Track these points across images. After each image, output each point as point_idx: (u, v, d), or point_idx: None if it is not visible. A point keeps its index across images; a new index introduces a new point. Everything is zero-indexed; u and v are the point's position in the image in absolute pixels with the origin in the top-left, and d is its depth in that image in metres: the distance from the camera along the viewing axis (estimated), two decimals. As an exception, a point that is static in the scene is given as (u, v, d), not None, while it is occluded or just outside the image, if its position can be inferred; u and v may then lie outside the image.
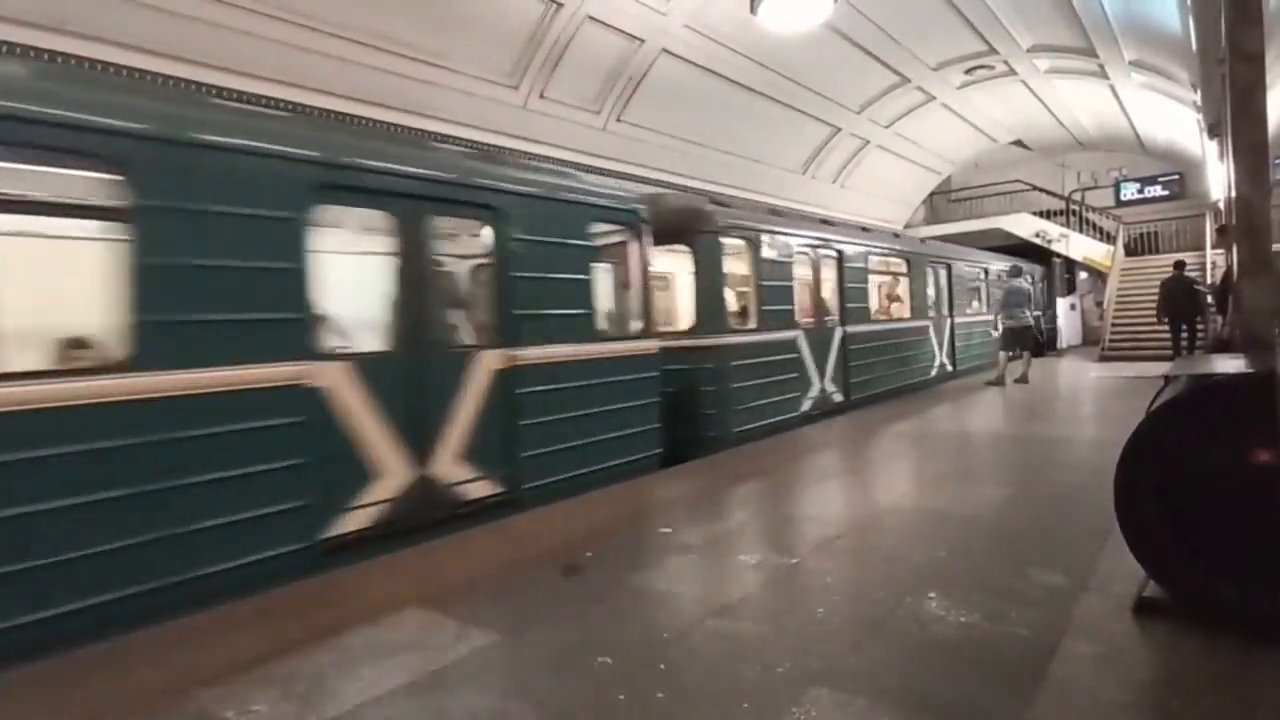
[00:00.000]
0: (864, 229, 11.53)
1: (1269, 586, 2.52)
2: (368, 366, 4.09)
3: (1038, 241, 18.36)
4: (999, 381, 11.19)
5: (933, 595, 3.11)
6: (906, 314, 11.48)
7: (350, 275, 4.99)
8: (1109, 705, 2.23)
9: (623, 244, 6.29)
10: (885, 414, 8.84)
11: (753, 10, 9.00)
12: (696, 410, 6.98)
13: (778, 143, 14.17)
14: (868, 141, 15.95)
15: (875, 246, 10.51)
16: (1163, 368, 4.26)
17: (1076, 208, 18.89)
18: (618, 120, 11.04)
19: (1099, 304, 18.45)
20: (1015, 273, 12.37)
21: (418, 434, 4.30)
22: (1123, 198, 19.83)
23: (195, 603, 3.23)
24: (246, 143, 3.68)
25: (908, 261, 11.48)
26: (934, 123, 16.26)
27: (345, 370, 3.98)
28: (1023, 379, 11.26)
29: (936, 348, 12.33)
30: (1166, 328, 13.03)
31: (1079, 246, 18.32)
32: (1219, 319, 10.50)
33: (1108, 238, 18.29)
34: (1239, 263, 3.90)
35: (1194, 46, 8.87)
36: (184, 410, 3.34)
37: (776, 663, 2.58)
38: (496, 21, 8.65)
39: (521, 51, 9.21)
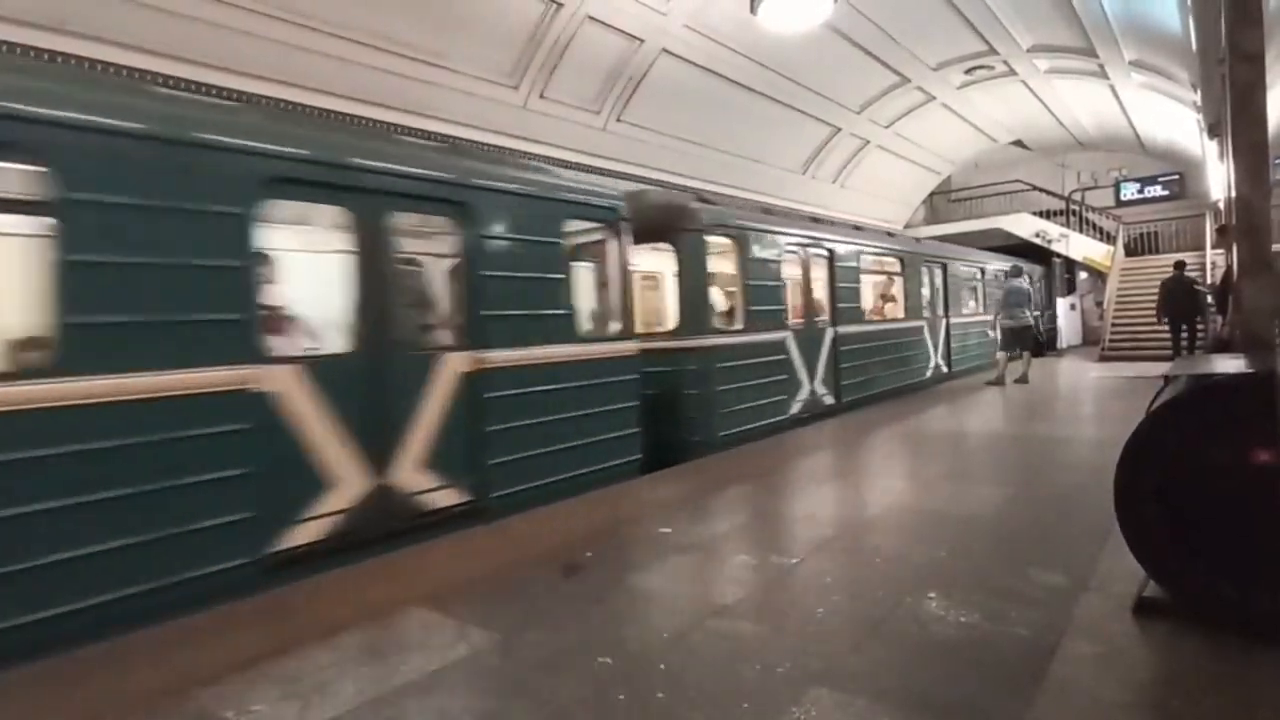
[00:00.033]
0: (857, 228, 11.37)
1: (1269, 586, 2.52)
2: (322, 370, 3.89)
3: (1038, 241, 18.37)
4: (999, 381, 11.19)
5: (933, 595, 3.10)
6: (900, 314, 11.32)
7: (305, 274, 4.83)
8: (1109, 705, 2.23)
9: (601, 242, 6.10)
10: (879, 416, 8.78)
11: (753, 10, 9.00)
12: (680, 414, 6.83)
13: (778, 143, 14.17)
14: (868, 141, 15.96)
15: (868, 245, 10.36)
16: (1163, 368, 4.26)
17: (1076, 208, 18.90)
18: (618, 120, 11.04)
19: (1099, 304, 18.46)
20: (1015, 273, 12.34)
21: (376, 441, 4.11)
22: (1123, 198, 19.84)
23: (121, 624, 3.02)
24: (185, 133, 3.44)
25: (901, 261, 11.32)
26: (934, 123, 16.26)
27: (296, 374, 3.77)
28: (1023, 379, 11.26)
29: (931, 349, 12.18)
30: (1166, 328, 13.03)
31: (1079, 246, 18.32)
32: (1219, 319, 10.50)
33: (1108, 238, 18.29)
34: (1239, 263, 3.90)
35: (1194, 46, 8.87)
36: (113, 418, 3.11)
37: (776, 663, 2.58)
38: (496, 21, 8.65)
39: (521, 51, 9.21)
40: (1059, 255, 18.75)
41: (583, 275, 6.39)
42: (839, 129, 14.89)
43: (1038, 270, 17.85)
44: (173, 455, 3.29)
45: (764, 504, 5.11)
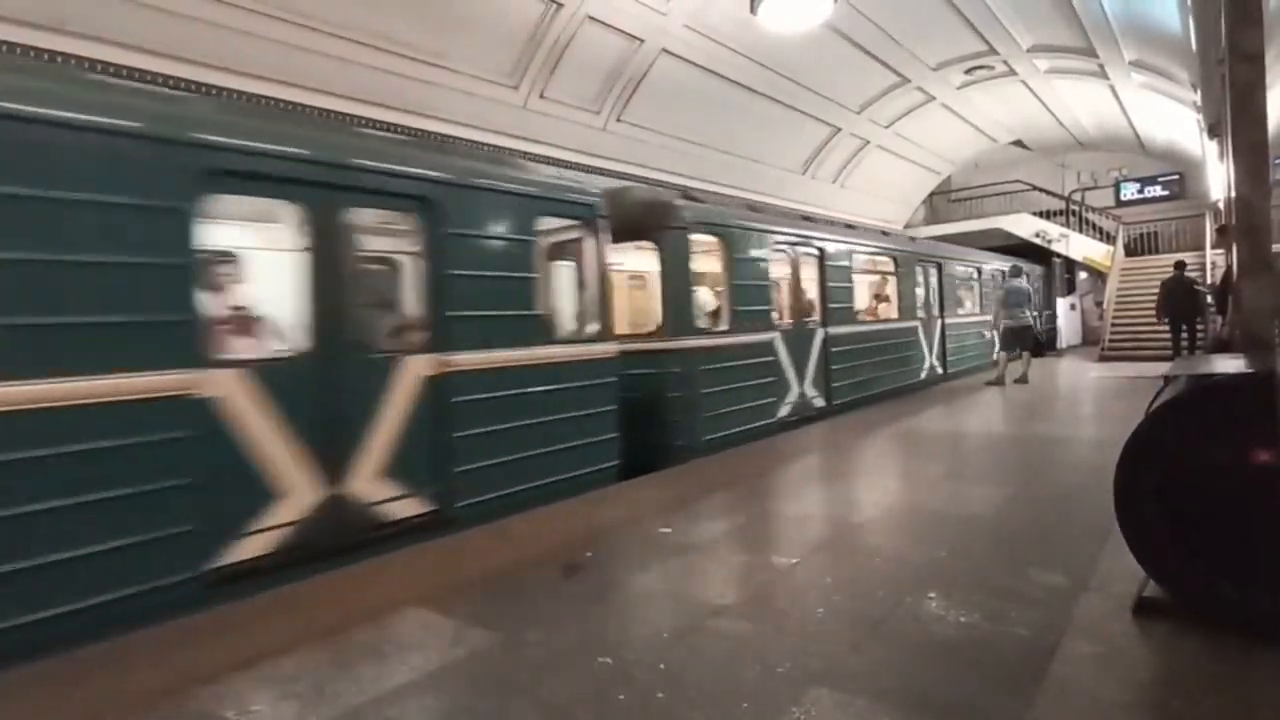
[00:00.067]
0: (849, 226, 11.20)
1: (1269, 586, 2.52)
2: (270, 374, 3.69)
3: (1038, 241, 18.37)
4: (999, 381, 11.19)
5: (932, 595, 3.10)
6: (894, 314, 11.19)
7: (255, 273, 4.66)
8: (1109, 705, 2.23)
9: (579, 240, 5.88)
10: (873, 417, 8.69)
11: (753, 10, 9.00)
12: (662, 417, 6.63)
13: (778, 143, 14.18)
14: (868, 141, 15.96)
15: (860, 244, 10.19)
16: (1163, 368, 4.26)
17: (1076, 208, 18.90)
18: (618, 120, 11.04)
19: (1099, 304, 18.47)
20: (1015, 273, 12.34)
21: (330, 448, 3.90)
22: (1123, 198, 19.85)
23: (44, 647, 2.81)
24: (113, 122, 3.21)
25: (895, 260, 11.16)
26: (934, 123, 16.27)
27: (242, 378, 3.57)
28: (1022, 379, 11.26)
29: (926, 349, 12.02)
30: (1166, 328, 13.04)
31: (1079, 246, 18.33)
32: (1219, 319, 10.50)
33: (1108, 238, 18.30)
34: (1239, 263, 3.90)
35: (1194, 46, 8.88)
36: (34, 426, 2.91)
37: (776, 663, 2.58)
38: (496, 21, 8.65)
39: (521, 51, 9.21)
40: (1059, 255, 18.76)
41: (559, 275, 6.25)
42: (839, 129, 14.89)
43: (1038, 270, 17.84)
44: (102, 466, 3.07)
45: (763, 505, 5.11)
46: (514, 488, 4.84)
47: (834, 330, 9.08)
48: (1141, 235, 18.90)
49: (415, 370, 4.36)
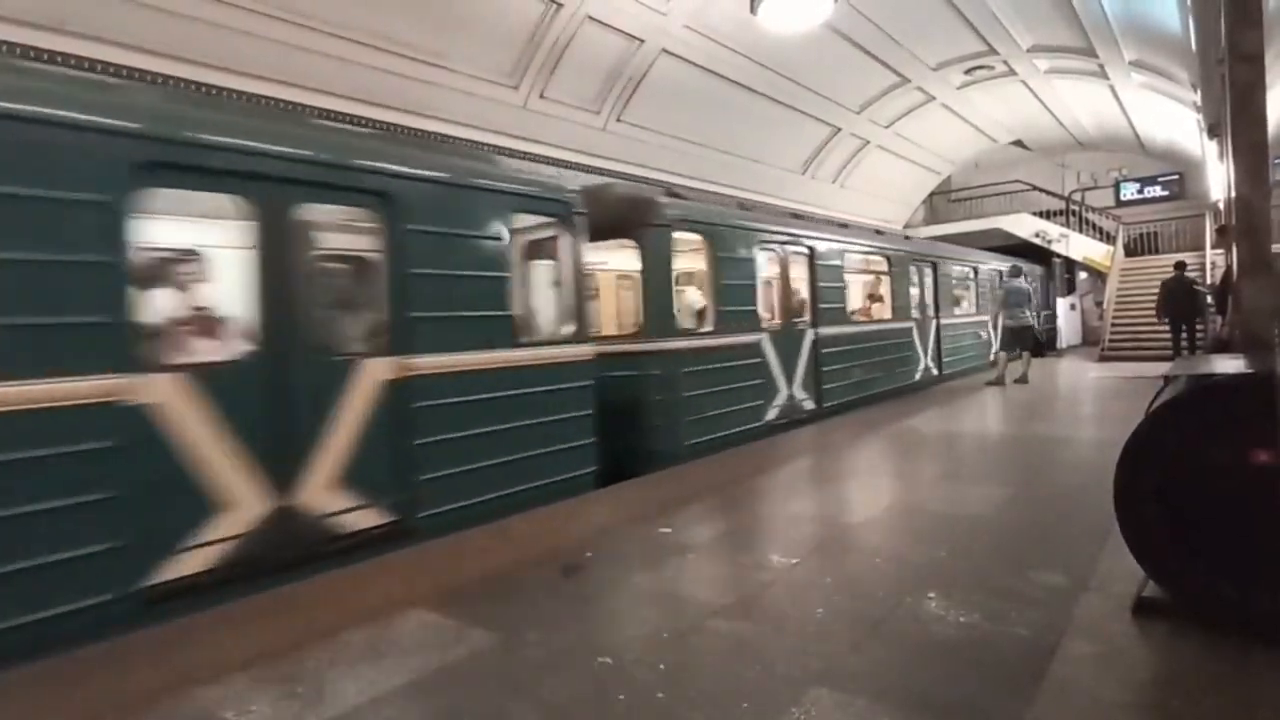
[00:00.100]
0: (842, 225, 10.98)
1: (1269, 586, 2.52)
2: (212, 379, 3.49)
3: (1037, 242, 18.37)
4: (999, 381, 11.19)
5: (932, 595, 3.11)
6: (887, 315, 10.98)
7: (221, 272, 4.46)
8: (1109, 705, 2.23)
9: (553, 238, 5.68)
10: (869, 418, 8.62)
11: (753, 10, 9.00)
12: (642, 422, 6.43)
13: (778, 143, 14.18)
14: (868, 141, 15.96)
15: (852, 243, 10.00)
16: (1163, 368, 4.26)
17: (1076, 208, 18.91)
18: (618, 120, 11.04)
19: (1099, 304, 18.47)
20: (1015, 273, 12.32)
21: (280, 457, 3.70)
22: (1122, 198, 19.86)
23: None
24: (33, 109, 2.98)
25: (888, 260, 10.96)
26: (934, 123, 16.26)
27: (180, 383, 3.35)
28: (1022, 379, 11.27)
29: (920, 350, 11.81)
30: (1166, 328, 13.06)
31: (1079, 247, 18.33)
32: (1219, 319, 10.51)
33: (1107, 238, 18.30)
34: (1239, 263, 3.90)
35: (1194, 46, 8.88)
36: None
37: (776, 663, 2.58)
38: (496, 21, 8.65)
39: (521, 51, 9.21)
40: (1059, 255, 18.76)
41: (532, 274, 6.08)
42: (839, 129, 14.89)
43: (1038, 270, 17.84)
44: (15, 478, 2.87)
45: (763, 506, 5.11)
46: (482, 496, 4.63)
47: (825, 331, 8.90)
48: (1141, 235, 18.90)
49: (374, 374, 4.15)
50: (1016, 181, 20.48)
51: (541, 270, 6.12)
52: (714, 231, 7.25)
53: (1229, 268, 7.52)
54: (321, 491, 3.87)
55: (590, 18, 9.15)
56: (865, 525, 4.38)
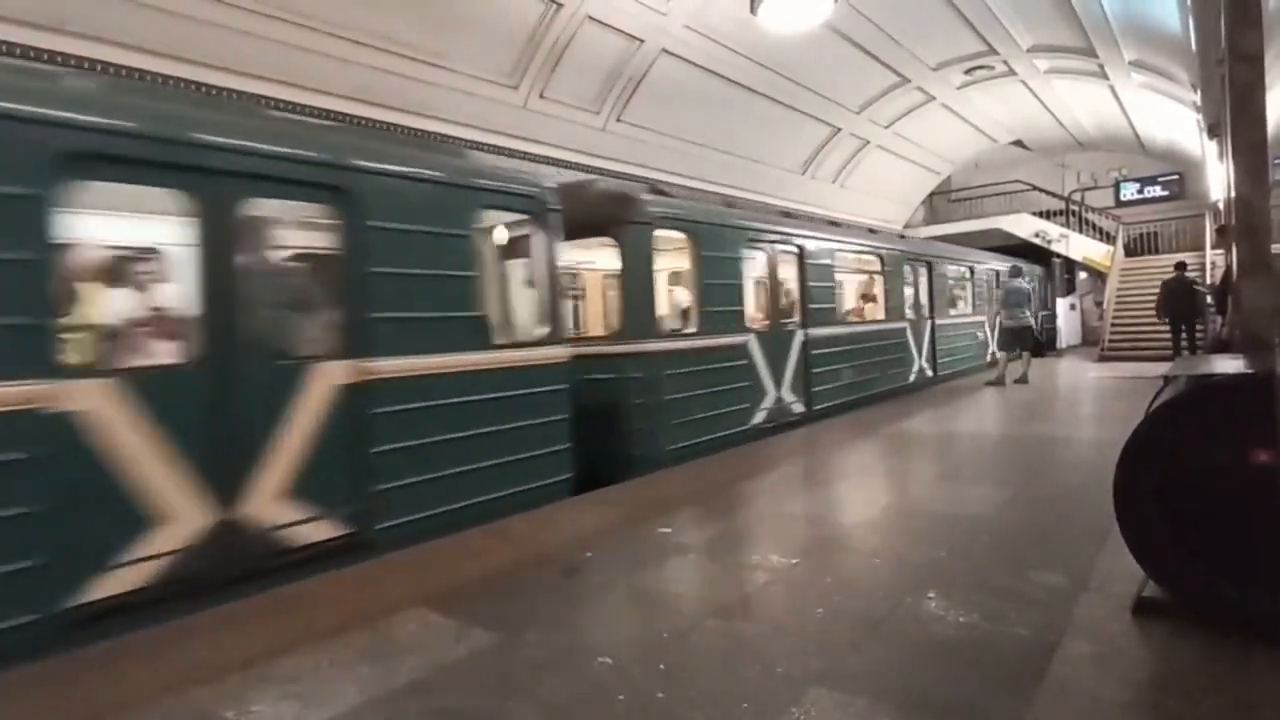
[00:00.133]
0: (832, 223, 10.80)
1: (1269, 586, 2.52)
2: (147, 385, 3.27)
3: (1037, 242, 18.39)
4: (999, 381, 11.20)
5: (932, 595, 3.11)
6: (880, 315, 10.80)
7: (148, 270, 4.26)
8: (1108, 705, 2.23)
9: (526, 236, 5.47)
10: (864, 420, 8.55)
11: (753, 10, 9.01)
12: (622, 426, 6.21)
13: (778, 143, 14.18)
14: (867, 142, 15.97)
15: (843, 242, 9.80)
16: (1162, 368, 4.26)
17: (1076, 208, 18.92)
18: (618, 120, 11.05)
19: (1099, 304, 18.48)
20: (1015, 273, 12.33)
21: (223, 468, 3.50)
22: (1122, 198, 19.87)
23: None
24: None
25: (881, 259, 10.75)
26: (934, 123, 16.27)
27: (109, 390, 3.13)
28: (1022, 379, 11.27)
29: (915, 351, 11.66)
30: (1166, 328, 13.07)
31: (1079, 247, 18.35)
32: (1219, 319, 10.51)
33: (1107, 238, 18.31)
34: (1239, 263, 3.90)
35: (1194, 47, 8.89)
36: None
37: (776, 663, 2.58)
38: (496, 21, 8.66)
39: (521, 51, 9.21)
40: (1059, 255, 18.77)
41: (503, 273, 5.90)
42: (839, 129, 14.90)
43: (1037, 270, 17.84)
44: None
45: (763, 506, 5.10)
46: (448, 506, 4.42)
47: (815, 332, 8.70)
48: (1141, 235, 18.92)
49: (328, 378, 3.94)
50: (1016, 181, 20.50)
51: (513, 269, 5.92)
52: (698, 229, 7.04)
53: (1229, 268, 7.52)
54: (269, 503, 3.67)
55: (590, 18, 9.16)
56: (865, 525, 4.38)
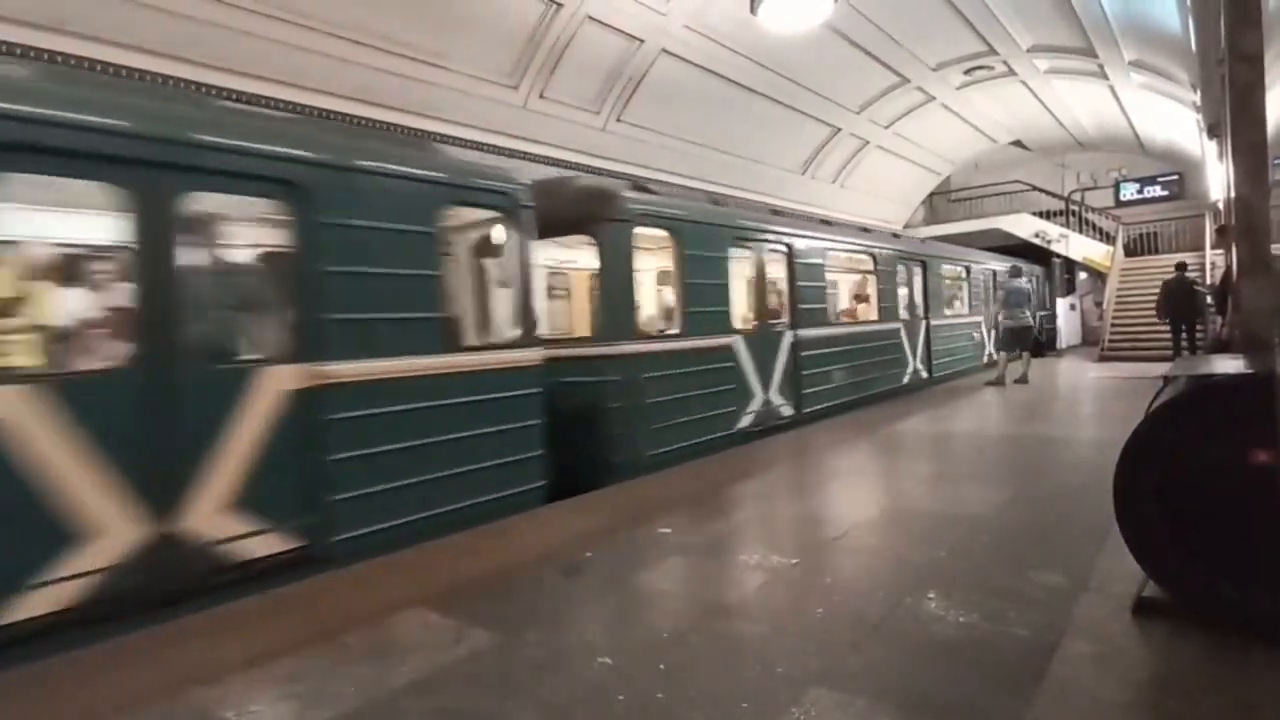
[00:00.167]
0: (824, 222, 10.62)
1: (1269, 586, 2.52)
2: (75, 390, 3.08)
3: (1037, 242, 18.40)
4: (999, 382, 11.20)
5: (932, 595, 3.11)
6: (873, 316, 10.60)
7: (62, 270, 4.08)
8: (1108, 705, 2.23)
9: (497, 233, 5.31)
10: (860, 422, 8.47)
11: (753, 10, 9.01)
12: (599, 431, 6.00)
13: (777, 143, 14.19)
14: (867, 142, 15.97)
15: (834, 241, 9.54)
16: (1162, 368, 4.26)
17: (1076, 208, 18.93)
18: (617, 120, 11.05)
19: (1099, 304, 18.49)
20: (1015, 273, 12.32)
21: (158, 478, 3.29)
22: (1122, 198, 19.88)
23: None
24: None
25: (874, 258, 10.51)
26: (934, 123, 16.28)
27: (28, 396, 2.93)
28: (1022, 379, 11.28)
29: (909, 353, 11.45)
30: (1166, 328, 13.08)
31: (1078, 247, 18.36)
32: (1219, 319, 10.51)
33: (1107, 238, 18.32)
34: (1239, 263, 3.90)
35: (1194, 47, 8.89)
36: None
37: (776, 663, 2.58)
38: (496, 21, 8.66)
39: (521, 51, 9.21)
40: (1059, 255, 18.78)
41: (472, 272, 5.75)
42: (839, 129, 14.90)
43: (1037, 270, 17.84)
44: None
45: (762, 507, 5.10)
46: (411, 516, 4.23)
47: (804, 333, 8.47)
48: (1141, 235, 18.93)
49: (277, 382, 3.73)
50: (1016, 182, 20.51)
51: (483, 268, 5.74)
52: (680, 227, 6.79)
53: (1229, 268, 7.52)
54: (212, 515, 3.46)
55: (590, 18, 9.16)
56: (864, 526, 4.38)
